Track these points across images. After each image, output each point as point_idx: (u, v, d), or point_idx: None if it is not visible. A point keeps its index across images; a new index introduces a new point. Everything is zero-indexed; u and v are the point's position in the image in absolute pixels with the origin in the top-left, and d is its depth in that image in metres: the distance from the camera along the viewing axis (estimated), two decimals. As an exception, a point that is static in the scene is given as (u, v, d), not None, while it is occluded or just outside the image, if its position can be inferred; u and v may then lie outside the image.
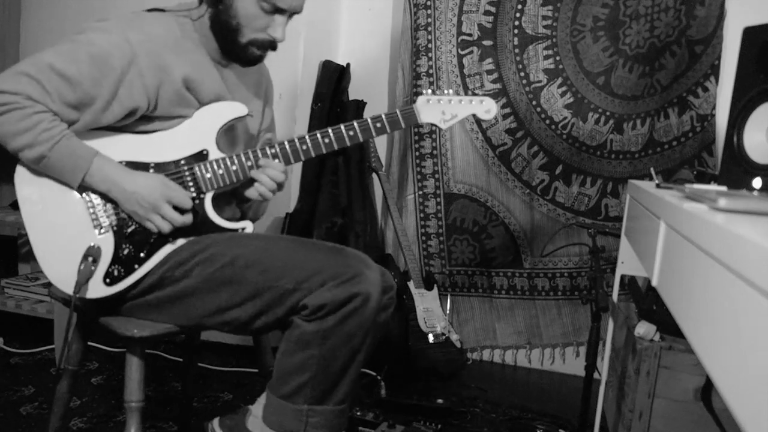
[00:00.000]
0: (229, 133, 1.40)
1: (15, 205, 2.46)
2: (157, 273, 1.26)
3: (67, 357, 1.41)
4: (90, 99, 1.20)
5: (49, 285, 2.42)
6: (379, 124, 1.31)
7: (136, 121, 1.28)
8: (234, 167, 1.30)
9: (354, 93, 2.72)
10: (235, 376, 2.27)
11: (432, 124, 1.35)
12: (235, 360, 2.39)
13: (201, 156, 1.30)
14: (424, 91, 1.37)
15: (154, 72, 1.24)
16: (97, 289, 1.23)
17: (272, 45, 1.32)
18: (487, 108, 1.35)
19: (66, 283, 1.21)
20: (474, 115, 1.36)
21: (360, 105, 2.66)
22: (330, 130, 1.31)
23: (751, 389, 0.44)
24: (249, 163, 1.31)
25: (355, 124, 1.31)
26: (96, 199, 1.24)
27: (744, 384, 0.46)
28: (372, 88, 2.75)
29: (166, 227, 1.24)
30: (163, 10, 1.32)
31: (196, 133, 1.31)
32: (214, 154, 1.30)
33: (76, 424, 1.81)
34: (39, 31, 2.86)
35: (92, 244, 1.23)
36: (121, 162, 1.26)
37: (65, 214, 1.23)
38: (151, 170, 1.27)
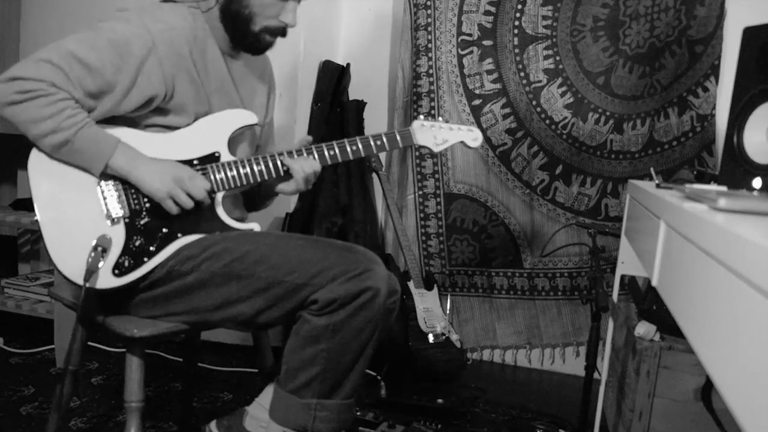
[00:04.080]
0: (236, 138, 1.42)
1: (15, 205, 2.46)
2: (165, 267, 1.27)
3: (69, 357, 1.41)
4: (110, 86, 1.22)
5: (49, 285, 2.43)
6: (379, 142, 1.41)
7: (152, 114, 1.30)
8: (245, 170, 1.34)
9: (354, 93, 2.72)
10: (235, 376, 2.27)
11: (426, 147, 1.46)
12: (235, 360, 2.39)
13: (213, 158, 1.33)
14: (420, 116, 1.48)
15: (171, 60, 1.27)
16: (106, 280, 1.24)
17: (283, 31, 1.36)
18: (474, 137, 1.49)
19: (76, 273, 1.22)
20: (462, 142, 1.48)
21: (360, 105, 2.66)
22: (335, 144, 1.39)
23: (751, 389, 0.44)
24: (259, 168, 1.34)
25: (358, 140, 1.39)
26: (109, 191, 1.26)
27: (744, 384, 0.46)
28: (372, 88, 2.74)
29: (188, 203, 1.26)
30: (175, 1, 1.35)
31: (208, 136, 1.34)
32: (226, 156, 1.34)
33: (76, 424, 1.81)
34: (39, 31, 2.86)
35: (102, 235, 1.23)
36: None
37: (78, 204, 1.24)
38: None
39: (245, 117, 1.38)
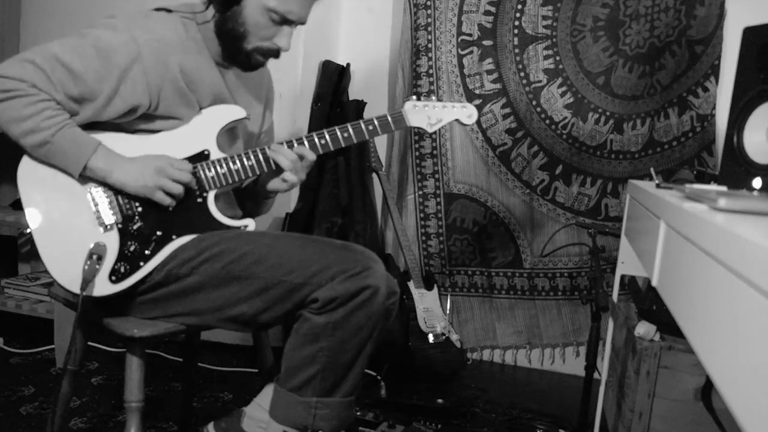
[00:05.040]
0: (229, 134, 1.41)
1: (15, 205, 2.46)
2: (163, 270, 1.26)
3: (68, 358, 1.41)
4: (92, 93, 1.22)
5: (49, 285, 2.43)
6: (371, 127, 1.37)
7: (138, 120, 1.29)
8: (236, 166, 1.33)
9: (354, 93, 2.72)
10: (235, 376, 2.27)
11: (419, 128, 1.42)
12: (235, 360, 2.39)
13: (203, 156, 1.32)
14: (412, 97, 1.43)
15: (157, 71, 1.26)
16: (103, 287, 1.23)
17: (276, 54, 1.35)
18: (469, 113, 1.44)
19: (72, 282, 1.22)
20: (457, 120, 1.44)
21: (360, 105, 2.66)
22: (326, 132, 1.36)
23: (751, 389, 0.44)
24: (250, 163, 1.33)
25: (349, 126, 1.36)
26: (100, 198, 1.25)
27: (744, 384, 0.46)
28: (372, 88, 2.75)
29: (178, 188, 1.25)
30: (169, 11, 1.33)
31: (197, 134, 1.33)
32: (216, 154, 1.33)
33: (76, 424, 1.81)
34: (39, 31, 2.86)
35: (97, 242, 1.23)
36: None
37: (69, 213, 1.24)
38: None
39: (234, 112, 1.36)
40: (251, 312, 1.24)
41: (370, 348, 1.24)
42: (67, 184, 1.24)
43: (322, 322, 1.19)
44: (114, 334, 1.27)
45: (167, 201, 1.26)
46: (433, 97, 1.43)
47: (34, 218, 1.23)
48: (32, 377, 2.11)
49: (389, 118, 1.38)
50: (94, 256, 1.21)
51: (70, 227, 1.24)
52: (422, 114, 1.41)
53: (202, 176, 1.31)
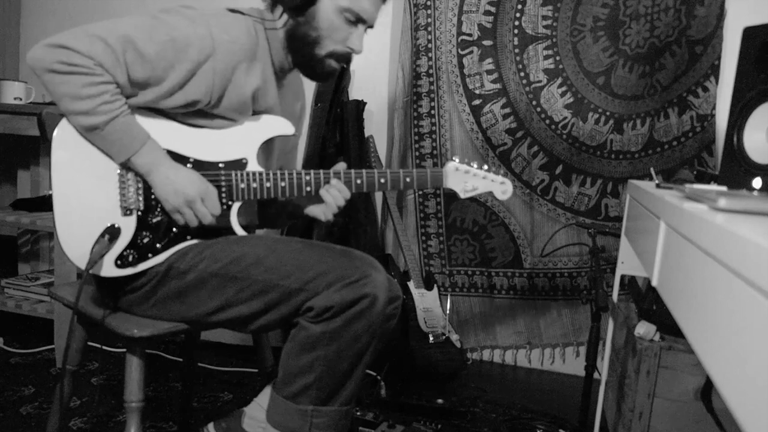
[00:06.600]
0: (265, 145, 1.40)
1: (15, 205, 2.46)
2: (165, 263, 1.27)
3: (66, 356, 1.41)
4: (157, 81, 1.19)
5: (49, 285, 2.43)
6: (408, 179, 1.38)
7: (191, 113, 1.27)
8: (268, 184, 1.31)
9: (354, 93, 2.72)
10: (235, 376, 2.27)
11: (453, 191, 1.43)
12: (235, 360, 2.39)
13: (240, 164, 1.31)
14: (455, 159, 1.43)
15: (226, 73, 1.24)
16: (106, 269, 1.24)
17: (348, 57, 1.33)
18: (504, 190, 1.45)
19: (80, 259, 1.22)
20: (491, 192, 1.45)
21: (360, 105, 2.66)
22: (364, 173, 1.36)
23: (751, 389, 0.44)
24: (283, 185, 1.32)
25: (388, 173, 1.37)
26: (128, 181, 1.25)
27: (744, 384, 0.46)
28: (372, 88, 2.75)
29: (194, 222, 1.25)
30: (241, 12, 1.31)
31: (241, 139, 1.32)
32: (252, 165, 1.32)
33: (76, 424, 1.81)
34: (39, 31, 2.86)
35: (113, 224, 1.23)
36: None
37: (95, 188, 1.23)
38: (189, 165, 1.28)
39: (281, 126, 1.35)
40: (248, 314, 1.23)
41: (369, 357, 1.22)
42: (100, 159, 1.23)
43: (318, 332, 1.17)
44: (114, 334, 1.27)
45: (181, 222, 1.26)
46: (474, 164, 1.43)
47: (59, 184, 1.22)
48: (32, 377, 2.11)
49: (429, 175, 1.39)
50: (106, 237, 1.21)
51: (91, 202, 1.23)
52: (460, 179, 1.42)
53: (234, 186, 1.30)
